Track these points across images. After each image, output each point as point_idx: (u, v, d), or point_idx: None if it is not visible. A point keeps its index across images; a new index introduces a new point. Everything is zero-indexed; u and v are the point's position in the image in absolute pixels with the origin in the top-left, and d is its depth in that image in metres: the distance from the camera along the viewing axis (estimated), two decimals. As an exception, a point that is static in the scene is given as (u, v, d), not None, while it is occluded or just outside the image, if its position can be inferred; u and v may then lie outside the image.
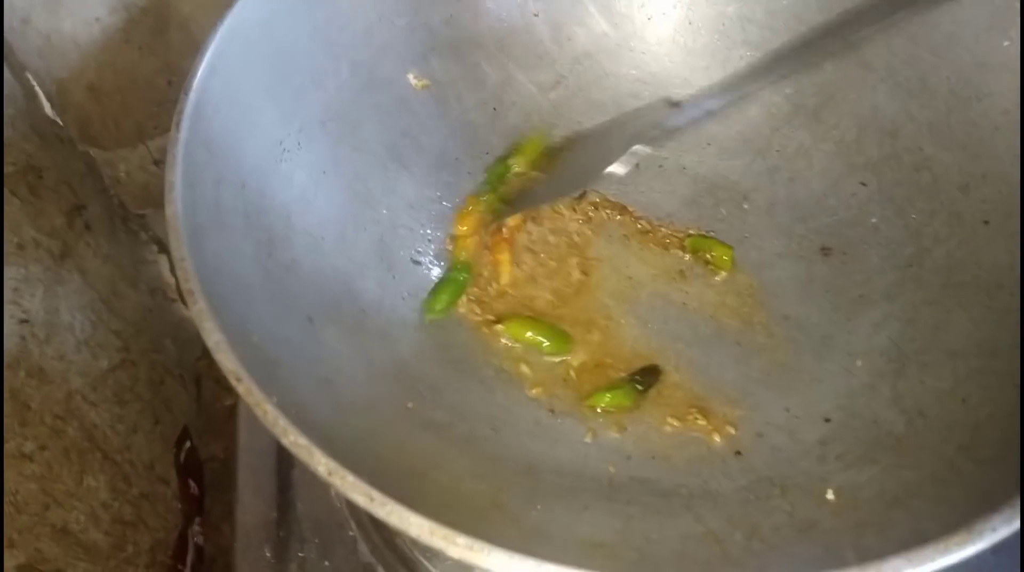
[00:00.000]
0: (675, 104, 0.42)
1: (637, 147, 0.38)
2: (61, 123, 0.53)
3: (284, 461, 0.41)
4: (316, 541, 0.38)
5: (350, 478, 0.24)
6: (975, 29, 0.37)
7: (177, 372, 0.63)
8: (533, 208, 0.42)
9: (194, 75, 0.33)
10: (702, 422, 0.35)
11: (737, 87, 0.40)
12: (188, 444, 0.60)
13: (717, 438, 0.34)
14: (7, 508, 0.44)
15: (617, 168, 0.38)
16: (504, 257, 0.41)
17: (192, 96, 0.32)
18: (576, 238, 0.43)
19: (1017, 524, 0.21)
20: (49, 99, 0.52)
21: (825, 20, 0.42)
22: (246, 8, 0.35)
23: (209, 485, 0.61)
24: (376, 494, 0.23)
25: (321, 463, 0.24)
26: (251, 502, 0.41)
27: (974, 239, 0.35)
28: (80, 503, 0.50)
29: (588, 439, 0.34)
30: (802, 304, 0.39)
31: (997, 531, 0.21)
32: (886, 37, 0.40)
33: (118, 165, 0.58)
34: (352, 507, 0.39)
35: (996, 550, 0.24)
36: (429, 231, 0.41)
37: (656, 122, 0.40)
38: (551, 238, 0.43)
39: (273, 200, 0.35)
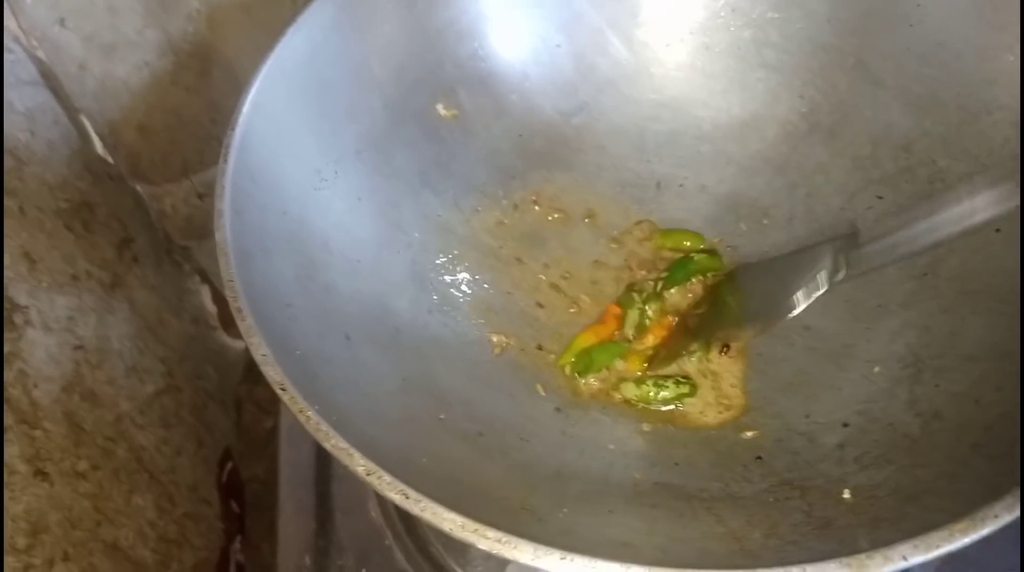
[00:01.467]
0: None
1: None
2: (112, 161, 0.56)
3: (323, 477, 0.43)
4: (354, 550, 0.40)
5: (387, 477, 0.25)
6: (980, 47, 0.38)
7: (219, 397, 0.65)
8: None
9: (239, 111, 0.35)
10: (726, 430, 0.36)
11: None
12: (230, 465, 0.62)
13: (738, 443, 0.35)
14: (63, 524, 0.46)
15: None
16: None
17: (238, 131, 0.35)
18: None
19: (1018, 511, 0.22)
20: (101, 139, 0.55)
21: (838, 42, 0.43)
22: (287, 48, 0.38)
23: (250, 505, 0.62)
24: (411, 492, 0.25)
25: (360, 464, 0.26)
26: (292, 516, 0.42)
27: (986, 247, 0.36)
28: (129, 521, 0.52)
29: (612, 446, 0.36)
30: (822, 315, 0.40)
31: (999, 518, 0.22)
32: (896, 57, 0.41)
33: (164, 199, 0.61)
34: (388, 518, 0.41)
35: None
36: (459, 253, 0.43)
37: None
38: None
39: (312, 226, 0.37)
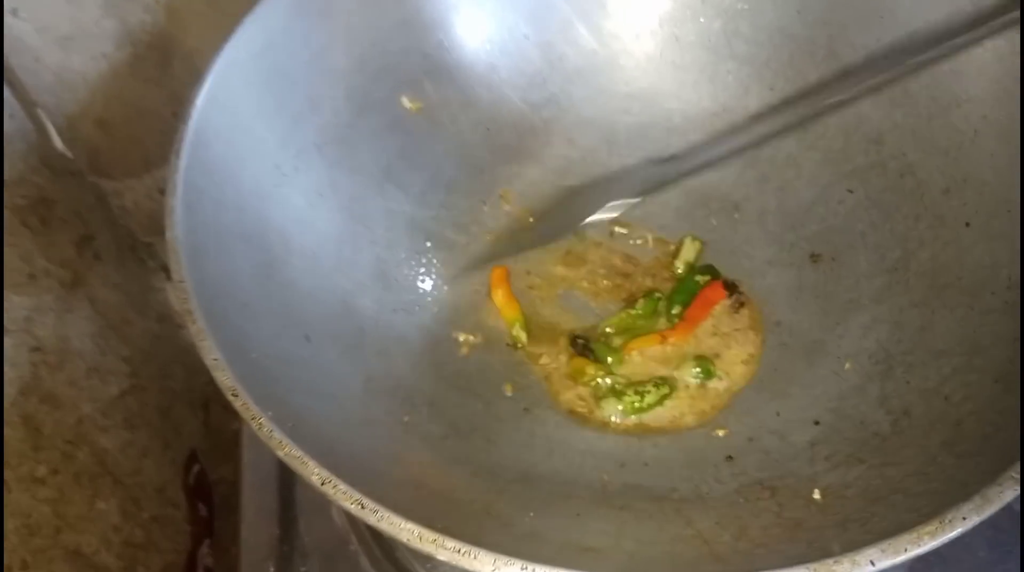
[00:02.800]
0: (664, 160, 0.44)
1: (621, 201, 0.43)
2: (71, 156, 0.55)
3: (286, 481, 0.42)
4: (318, 556, 0.39)
5: (342, 487, 0.24)
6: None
7: (186, 397, 0.64)
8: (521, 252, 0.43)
9: (193, 104, 0.34)
10: (695, 429, 0.36)
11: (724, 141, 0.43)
12: (197, 467, 0.61)
13: (709, 442, 0.34)
14: (21, 531, 0.45)
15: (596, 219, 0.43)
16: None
17: (191, 124, 0.34)
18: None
19: (989, 512, 0.22)
20: (59, 133, 0.54)
21: (809, 33, 0.43)
22: (243, 38, 0.37)
23: (218, 508, 0.61)
24: (367, 501, 0.24)
25: (314, 473, 0.25)
26: (255, 520, 0.41)
27: (957, 241, 0.35)
28: (92, 526, 0.51)
29: (582, 447, 0.35)
30: (793, 310, 0.39)
31: (968, 520, 0.22)
32: (867, 48, 0.41)
33: (125, 195, 0.59)
34: (352, 523, 0.40)
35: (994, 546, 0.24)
36: (426, 250, 0.42)
37: (643, 178, 0.44)
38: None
39: (271, 223, 0.36)
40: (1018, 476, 0.22)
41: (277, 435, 0.25)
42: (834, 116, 0.42)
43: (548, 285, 0.42)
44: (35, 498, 0.47)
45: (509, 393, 0.38)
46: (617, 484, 0.33)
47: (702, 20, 0.45)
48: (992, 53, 0.37)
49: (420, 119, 0.44)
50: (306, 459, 0.25)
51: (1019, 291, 0.31)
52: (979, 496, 0.22)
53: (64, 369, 0.51)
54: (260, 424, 0.25)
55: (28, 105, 0.51)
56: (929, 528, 0.21)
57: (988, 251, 0.34)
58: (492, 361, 0.39)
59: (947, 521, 0.21)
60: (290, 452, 0.25)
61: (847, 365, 0.35)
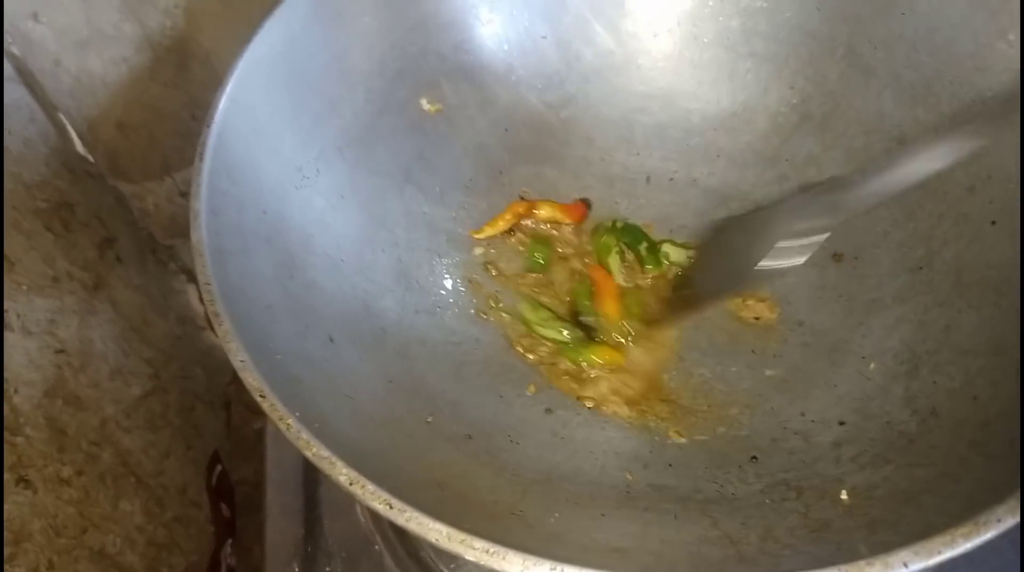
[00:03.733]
0: (823, 188, 0.38)
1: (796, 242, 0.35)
2: (91, 159, 0.55)
3: (311, 480, 0.42)
4: (343, 556, 0.39)
5: (370, 487, 0.24)
6: (974, 32, 0.38)
7: (207, 398, 0.64)
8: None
9: (215, 108, 0.34)
10: (720, 429, 0.36)
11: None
12: (219, 468, 0.61)
13: (734, 443, 0.34)
14: (47, 531, 0.45)
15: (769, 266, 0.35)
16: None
17: (214, 128, 0.34)
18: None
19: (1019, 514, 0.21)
20: (80, 137, 0.54)
21: (828, 30, 0.42)
22: (264, 42, 0.37)
23: (240, 507, 0.62)
24: (395, 501, 0.24)
25: (343, 473, 0.25)
26: (279, 520, 0.42)
27: (982, 239, 0.35)
28: (116, 526, 0.51)
29: (605, 447, 0.35)
30: (815, 310, 0.39)
31: (1002, 522, 0.21)
32: (887, 45, 0.41)
33: (146, 198, 0.60)
34: (377, 522, 0.40)
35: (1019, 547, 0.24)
36: (446, 250, 0.42)
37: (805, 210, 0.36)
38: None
39: (293, 224, 0.36)
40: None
41: (305, 436, 0.25)
42: (855, 114, 0.42)
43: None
44: (60, 499, 0.47)
45: (532, 393, 0.38)
46: (641, 484, 0.33)
47: (720, 19, 0.45)
48: (1016, 48, 0.36)
49: (439, 120, 0.44)
50: (334, 459, 0.25)
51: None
52: (1013, 498, 0.22)
53: (87, 371, 0.52)
54: (288, 425, 0.26)
55: (49, 109, 0.52)
56: (964, 530, 0.21)
57: (1013, 248, 0.33)
58: (514, 362, 0.39)
59: (982, 523, 0.21)
60: (318, 452, 0.25)
61: (871, 365, 0.35)
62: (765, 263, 0.35)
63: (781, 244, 0.35)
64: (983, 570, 0.36)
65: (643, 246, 0.42)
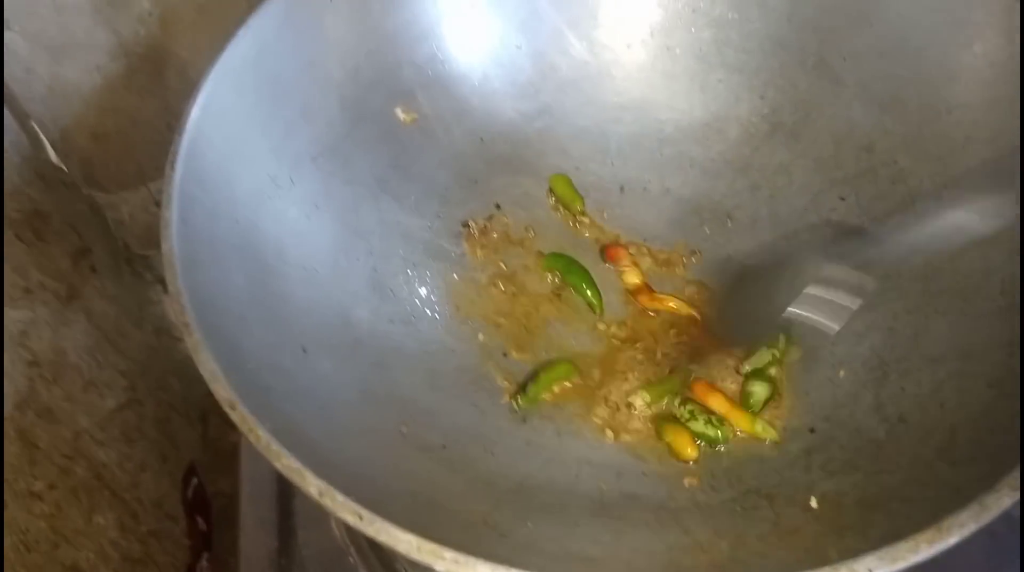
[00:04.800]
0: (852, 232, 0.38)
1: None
2: (65, 169, 0.55)
3: (285, 493, 0.42)
4: (317, 569, 0.39)
5: (340, 498, 0.24)
6: (942, 44, 0.38)
7: (183, 410, 0.64)
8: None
9: (187, 116, 0.34)
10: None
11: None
12: (195, 480, 0.61)
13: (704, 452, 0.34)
14: (18, 547, 0.44)
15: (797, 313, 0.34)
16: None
17: (185, 136, 0.34)
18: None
19: (987, 519, 0.22)
20: (53, 146, 0.54)
21: (798, 41, 0.43)
22: (237, 50, 0.37)
23: (217, 520, 0.61)
24: (364, 512, 0.24)
25: (312, 484, 0.25)
26: (254, 533, 0.41)
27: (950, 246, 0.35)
28: (89, 541, 0.50)
29: (578, 456, 0.35)
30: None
31: (965, 527, 0.22)
32: (857, 55, 0.41)
33: (121, 207, 0.59)
34: (351, 534, 0.40)
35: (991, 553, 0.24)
36: (421, 260, 0.42)
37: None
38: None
39: (266, 234, 0.36)
40: (1016, 483, 0.23)
41: (275, 447, 0.25)
42: (825, 123, 0.43)
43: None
44: (32, 513, 0.47)
45: (506, 402, 0.38)
46: (614, 493, 0.33)
47: (692, 30, 0.45)
48: (984, 59, 0.37)
49: (414, 130, 0.44)
50: (304, 471, 0.25)
51: (1013, 296, 0.31)
52: (977, 503, 0.22)
53: (61, 383, 0.51)
54: (258, 436, 0.25)
55: (21, 117, 0.51)
56: (927, 535, 0.21)
57: (981, 256, 0.34)
58: (489, 371, 0.39)
59: (945, 528, 0.22)
60: (288, 464, 0.25)
61: (841, 372, 0.36)
62: (795, 310, 0.34)
63: (811, 290, 0.34)
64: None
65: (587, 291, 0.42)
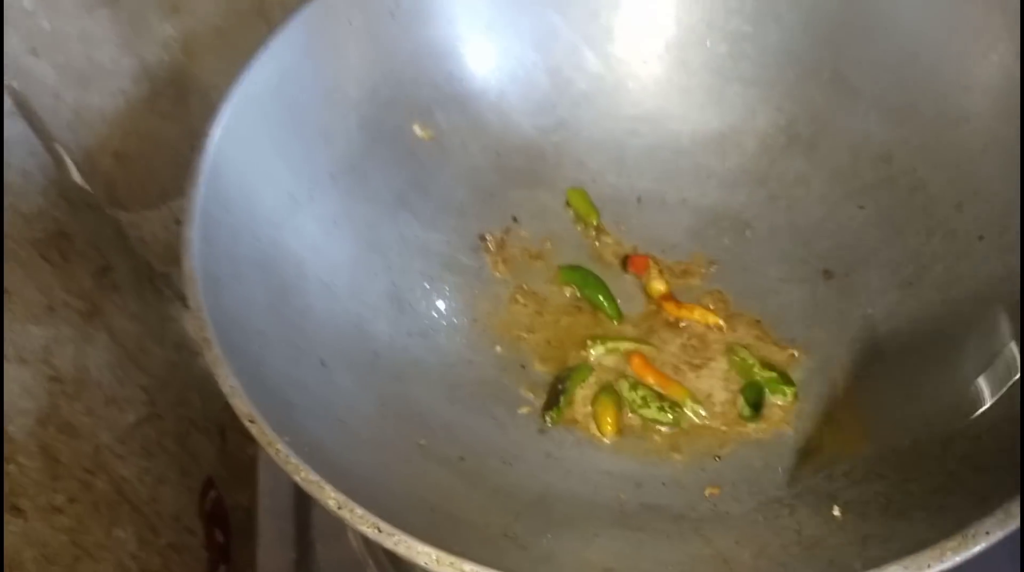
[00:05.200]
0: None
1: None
2: (89, 189, 0.56)
3: (303, 505, 0.42)
4: (336, 582, 0.39)
5: (358, 511, 0.24)
6: (957, 53, 0.38)
7: (202, 424, 0.64)
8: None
9: (208, 136, 0.35)
10: (715, 448, 0.36)
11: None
12: (213, 494, 0.61)
13: (726, 461, 0.34)
14: (39, 560, 0.45)
15: None
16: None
17: (206, 156, 0.34)
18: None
19: (1012, 527, 0.21)
20: (77, 167, 0.55)
21: (813, 54, 0.43)
22: (257, 73, 0.37)
23: (235, 533, 0.61)
24: (384, 525, 0.24)
25: (331, 497, 0.25)
26: (272, 546, 0.41)
27: (970, 254, 0.35)
28: (109, 554, 0.51)
29: (598, 467, 0.35)
30: (807, 327, 0.39)
31: (991, 534, 0.21)
32: (872, 67, 0.41)
33: (143, 226, 0.60)
34: (369, 547, 0.40)
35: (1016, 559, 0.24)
36: (439, 274, 0.42)
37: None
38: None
39: (286, 251, 0.37)
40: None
41: (294, 460, 0.25)
42: (842, 134, 0.43)
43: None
44: (53, 527, 0.47)
45: (525, 413, 0.38)
46: (634, 504, 0.33)
47: (708, 44, 0.45)
48: (999, 69, 0.37)
49: (431, 146, 0.44)
50: (323, 484, 0.25)
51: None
52: (1001, 510, 0.22)
53: (82, 398, 0.51)
54: (277, 450, 0.26)
55: (47, 141, 0.52)
56: (952, 543, 0.21)
57: (1002, 263, 0.34)
58: (507, 383, 0.39)
59: (970, 536, 0.21)
60: (307, 477, 0.25)
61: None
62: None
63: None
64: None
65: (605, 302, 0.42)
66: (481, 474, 0.33)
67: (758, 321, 0.40)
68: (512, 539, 0.29)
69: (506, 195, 0.45)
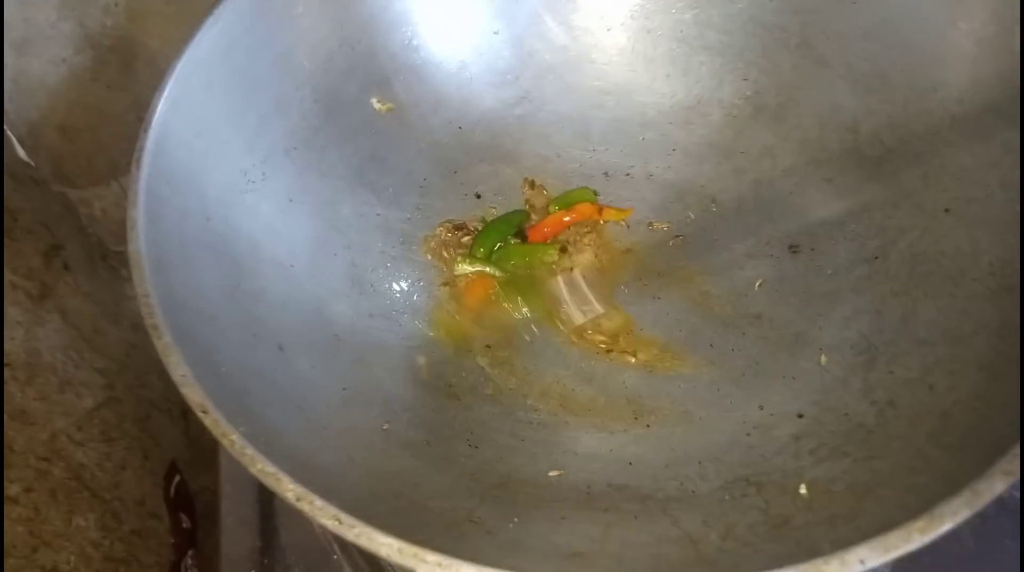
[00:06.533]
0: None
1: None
2: (34, 165, 0.53)
3: (266, 490, 0.41)
4: (301, 567, 0.38)
5: (318, 502, 0.24)
6: (927, 23, 0.38)
7: (164, 406, 0.63)
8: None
9: (154, 110, 0.33)
10: (679, 425, 0.35)
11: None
12: (178, 478, 0.60)
13: (692, 439, 0.34)
14: (-7, 553, 0.44)
15: None
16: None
17: (152, 131, 0.33)
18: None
19: (979, 506, 0.21)
20: (21, 142, 0.52)
21: (781, 22, 0.42)
22: (204, 40, 0.35)
23: (201, 517, 0.60)
24: (344, 516, 0.23)
25: (289, 489, 0.24)
26: (235, 532, 0.40)
27: (936, 228, 0.35)
28: (69, 543, 0.49)
29: (564, 448, 0.34)
30: (773, 303, 0.39)
31: (958, 514, 0.21)
32: (840, 35, 0.41)
33: (93, 203, 0.58)
34: (335, 532, 0.39)
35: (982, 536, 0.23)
36: (401, 253, 0.41)
37: None
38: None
39: (239, 231, 0.35)
40: (1009, 467, 0.22)
41: (250, 451, 0.25)
42: (809, 105, 0.42)
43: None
44: (8, 518, 0.46)
45: (490, 394, 0.37)
46: (601, 485, 0.32)
47: (673, 12, 0.44)
48: (969, 37, 0.36)
49: (391, 120, 0.43)
50: (280, 475, 0.24)
51: (1003, 278, 0.31)
52: (969, 490, 0.22)
53: (34, 384, 0.50)
54: (232, 441, 0.25)
55: (-13, 114, 0.50)
56: (919, 524, 0.21)
57: (968, 237, 0.33)
58: (471, 364, 0.39)
59: (937, 516, 0.21)
60: (263, 468, 0.24)
61: (830, 357, 0.35)
62: None
63: None
64: (945, 560, 0.36)
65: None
66: (447, 458, 0.33)
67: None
68: (478, 523, 0.28)
69: (469, 171, 0.44)
